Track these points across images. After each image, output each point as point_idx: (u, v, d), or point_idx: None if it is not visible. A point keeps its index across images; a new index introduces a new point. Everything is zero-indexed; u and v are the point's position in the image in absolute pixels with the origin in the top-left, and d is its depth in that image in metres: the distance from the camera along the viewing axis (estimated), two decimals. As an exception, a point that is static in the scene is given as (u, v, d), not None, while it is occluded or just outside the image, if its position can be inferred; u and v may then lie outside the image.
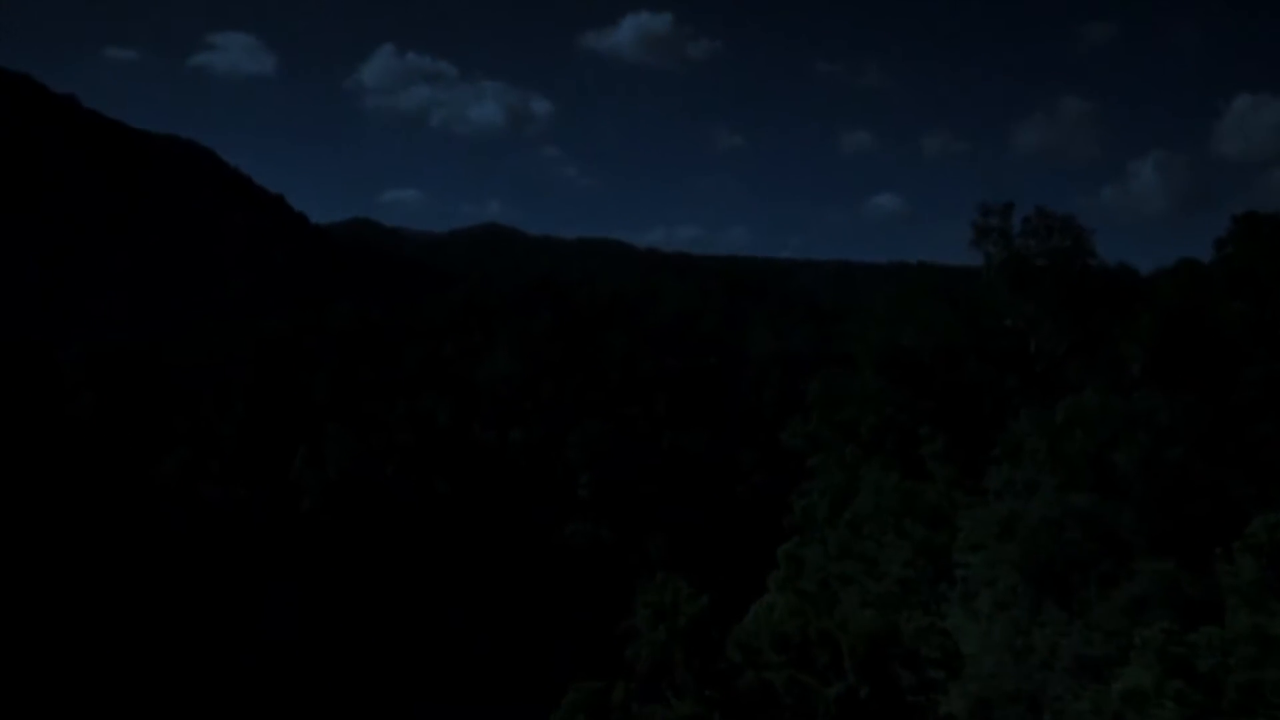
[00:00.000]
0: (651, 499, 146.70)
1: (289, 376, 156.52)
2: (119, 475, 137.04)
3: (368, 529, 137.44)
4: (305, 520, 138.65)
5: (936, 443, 52.32)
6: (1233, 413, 43.55)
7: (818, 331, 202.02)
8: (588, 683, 36.83)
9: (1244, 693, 25.60)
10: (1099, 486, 40.26)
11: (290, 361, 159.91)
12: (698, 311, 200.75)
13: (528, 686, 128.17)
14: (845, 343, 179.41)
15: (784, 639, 39.66)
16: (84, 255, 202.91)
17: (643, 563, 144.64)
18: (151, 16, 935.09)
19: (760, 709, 37.27)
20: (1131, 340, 48.42)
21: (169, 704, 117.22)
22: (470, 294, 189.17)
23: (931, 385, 54.01)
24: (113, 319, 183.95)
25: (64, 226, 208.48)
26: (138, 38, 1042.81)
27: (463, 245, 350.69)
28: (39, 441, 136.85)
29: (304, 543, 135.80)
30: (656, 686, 37.98)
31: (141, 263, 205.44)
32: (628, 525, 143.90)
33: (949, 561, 45.56)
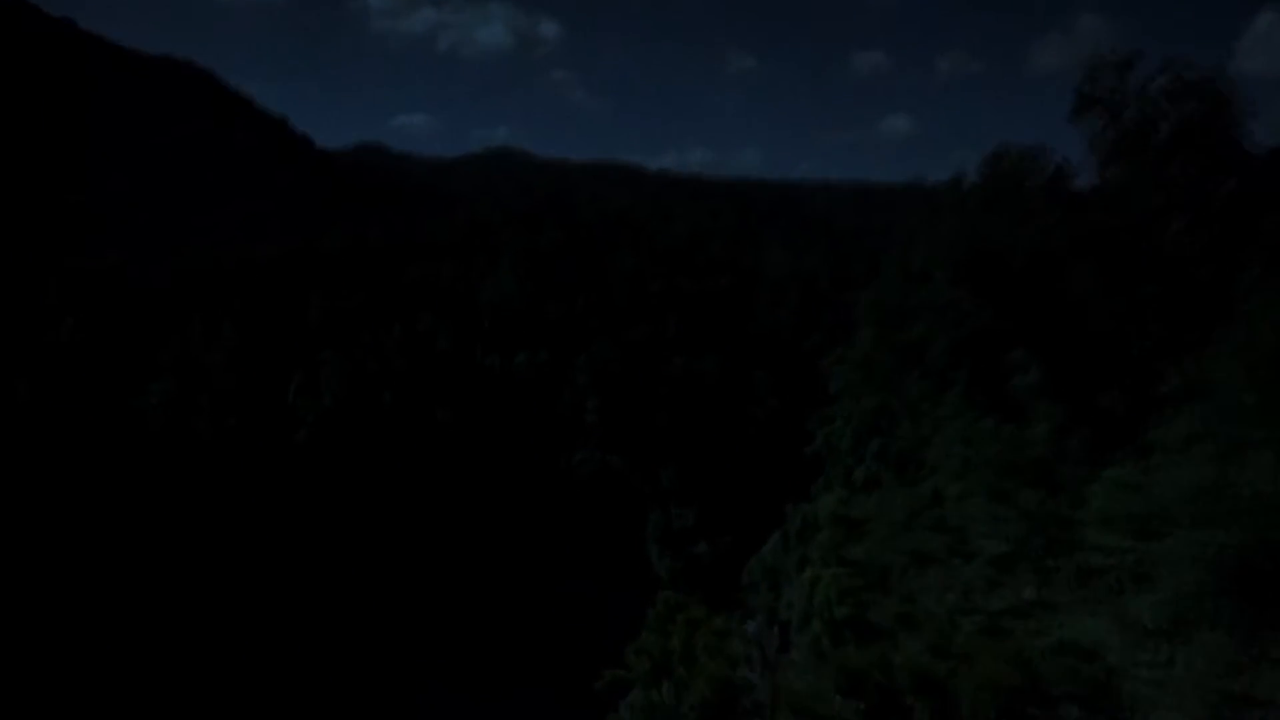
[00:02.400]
0: (663, 425, 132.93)
1: (282, 302, 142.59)
2: (101, 406, 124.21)
3: (366, 460, 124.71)
4: (301, 452, 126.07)
5: (1032, 373, 37.84)
6: None
7: (834, 253, 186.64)
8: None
9: None
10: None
11: (283, 286, 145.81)
12: (710, 232, 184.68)
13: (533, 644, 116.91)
14: (862, 262, 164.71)
15: (856, 679, 25.86)
16: (78, 178, 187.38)
17: (654, 491, 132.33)
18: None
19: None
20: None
21: (154, 650, 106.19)
22: (473, 213, 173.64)
23: (1028, 297, 39.24)
24: (107, 243, 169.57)
25: (58, 149, 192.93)
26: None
27: (473, 170, 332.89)
28: (16, 369, 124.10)
29: (300, 476, 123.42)
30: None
31: (137, 186, 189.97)
32: (638, 453, 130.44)
33: (1068, 539, 31.53)
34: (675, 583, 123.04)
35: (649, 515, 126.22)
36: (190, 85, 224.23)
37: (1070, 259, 38.67)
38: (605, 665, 44.13)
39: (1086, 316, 37.65)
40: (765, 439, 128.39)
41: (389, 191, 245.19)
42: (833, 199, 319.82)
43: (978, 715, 21.99)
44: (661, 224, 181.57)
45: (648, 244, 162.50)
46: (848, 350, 52.01)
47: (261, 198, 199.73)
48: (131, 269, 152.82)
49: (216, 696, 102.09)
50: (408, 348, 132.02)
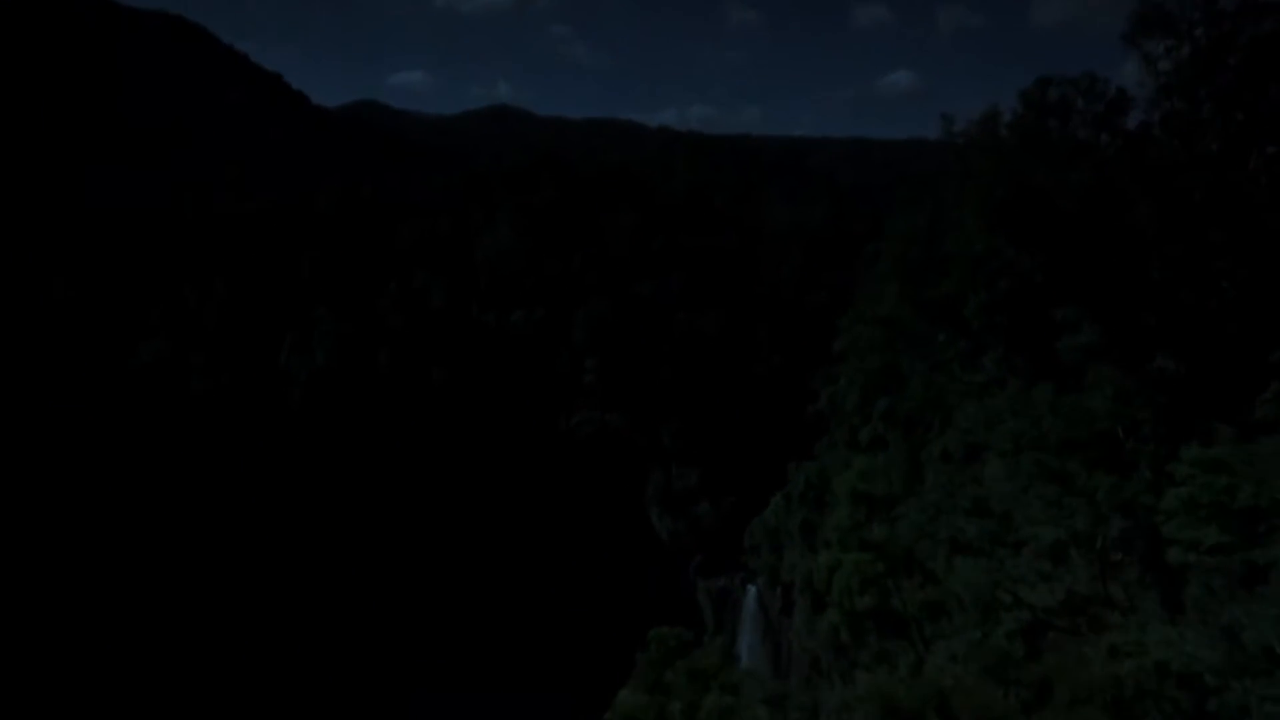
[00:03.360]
0: (663, 384, 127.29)
1: (275, 259, 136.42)
2: (92, 364, 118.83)
3: (361, 420, 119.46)
4: (295, 413, 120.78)
5: (1085, 332, 32.14)
6: None
7: (836, 209, 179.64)
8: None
9: None
10: None
11: (276, 243, 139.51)
12: (711, 188, 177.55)
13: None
14: (864, 218, 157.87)
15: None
16: (70, 135, 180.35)
17: (654, 451, 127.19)
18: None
19: None
20: None
21: (142, 610, 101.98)
22: (470, 170, 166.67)
23: (1080, 245, 33.37)
24: (100, 200, 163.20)
25: (50, 105, 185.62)
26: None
27: (472, 127, 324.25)
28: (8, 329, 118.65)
29: (294, 437, 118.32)
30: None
31: (130, 142, 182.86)
32: (638, 412, 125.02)
33: (1141, 530, 26.10)
34: (676, 544, 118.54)
35: (649, 476, 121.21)
36: (183, 40, 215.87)
37: (1129, 200, 32.87)
38: (600, 655, 39.49)
39: (1148, 266, 31.95)
40: (768, 398, 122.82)
41: (386, 149, 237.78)
42: (834, 155, 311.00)
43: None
44: (662, 180, 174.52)
45: (648, 200, 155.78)
46: (861, 307, 46.06)
47: (255, 154, 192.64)
48: (123, 224, 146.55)
49: (204, 660, 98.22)
50: (403, 305, 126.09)
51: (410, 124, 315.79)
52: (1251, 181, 32.29)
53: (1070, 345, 32.11)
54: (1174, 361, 30.91)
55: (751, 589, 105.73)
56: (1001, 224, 35.07)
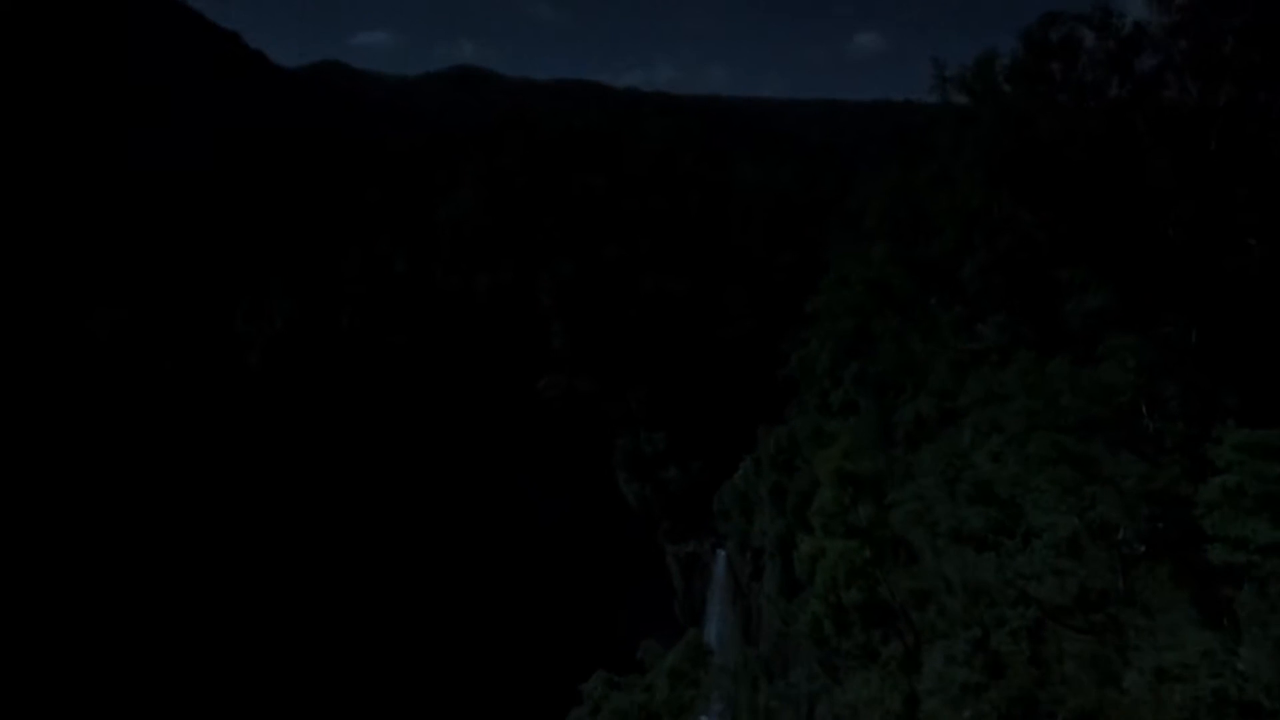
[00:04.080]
0: (631, 347, 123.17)
1: (234, 223, 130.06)
2: (46, 332, 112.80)
3: (321, 388, 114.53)
4: (253, 378, 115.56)
5: (1095, 295, 28.48)
6: None
7: (807, 171, 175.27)
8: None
9: None
10: None
11: (234, 206, 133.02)
12: (679, 149, 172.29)
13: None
14: (833, 179, 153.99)
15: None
16: (19, 101, 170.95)
17: (623, 416, 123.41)
18: None
19: None
20: None
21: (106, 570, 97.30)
22: (433, 131, 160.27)
23: (1089, 199, 29.58)
24: (54, 161, 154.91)
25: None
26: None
27: (435, 89, 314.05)
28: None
29: (252, 402, 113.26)
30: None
31: (82, 103, 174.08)
32: (606, 376, 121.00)
33: (1173, 522, 22.58)
34: (644, 509, 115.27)
35: (617, 440, 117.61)
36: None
37: (1143, 151, 29.13)
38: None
39: (1165, 223, 28.30)
40: (737, 361, 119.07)
41: (348, 111, 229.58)
42: (803, 117, 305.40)
43: None
44: (630, 141, 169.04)
45: (616, 162, 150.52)
46: (844, 268, 42.27)
47: (211, 115, 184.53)
48: (79, 187, 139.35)
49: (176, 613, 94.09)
50: (366, 271, 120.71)
51: (372, 85, 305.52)
52: (1276, 128, 28.66)
53: (1079, 310, 28.46)
54: (1194, 328, 27.42)
55: (721, 554, 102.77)
56: (1002, 177, 31.22)
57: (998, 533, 24.76)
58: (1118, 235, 28.95)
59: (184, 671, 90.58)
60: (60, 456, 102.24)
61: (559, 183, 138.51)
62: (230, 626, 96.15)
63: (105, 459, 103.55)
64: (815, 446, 72.58)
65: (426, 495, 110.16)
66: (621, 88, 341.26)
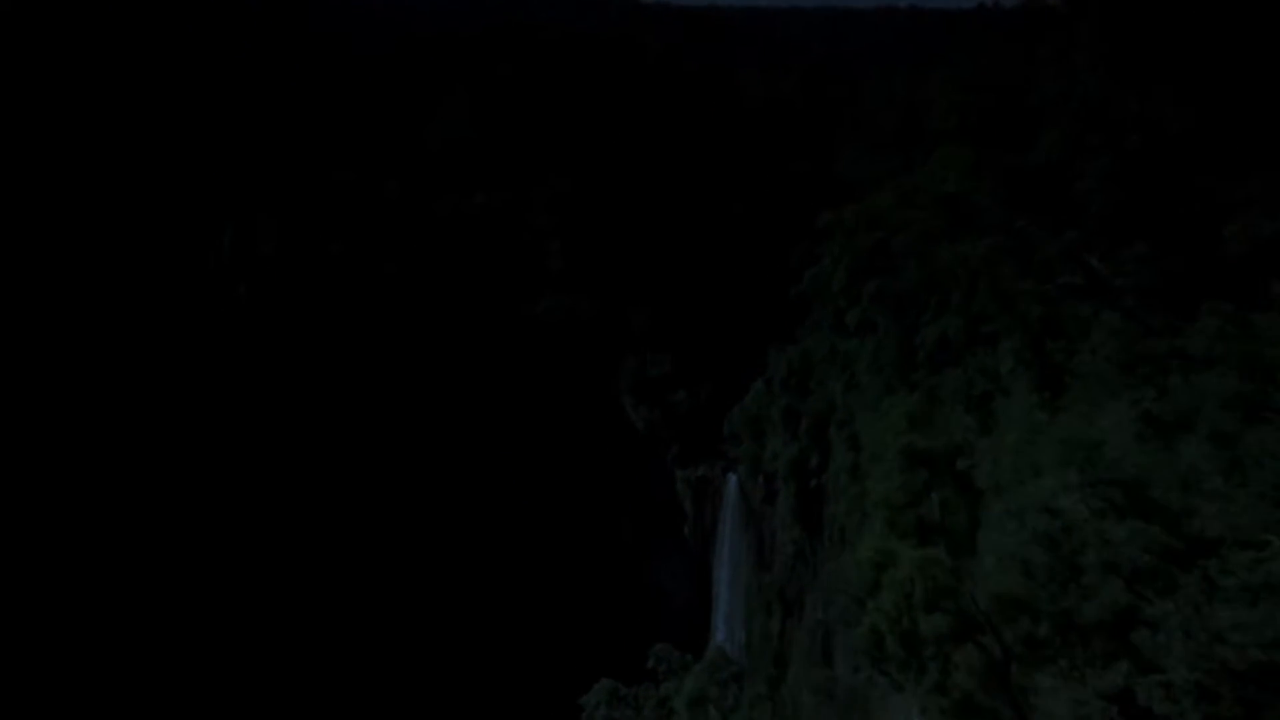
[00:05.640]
0: (634, 266, 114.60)
1: (211, 146, 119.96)
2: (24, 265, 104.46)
3: (312, 316, 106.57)
4: (242, 308, 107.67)
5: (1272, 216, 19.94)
6: None
7: (810, 78, 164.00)
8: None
9: None
10: None
11: (211, 128, 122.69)
12: (679, 57, 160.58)
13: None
14: (840, 87, 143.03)
15: None
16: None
17: (626, 338, 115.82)
18: None
19: None
20: None
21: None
22: (419, 35, 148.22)
23: (1249, 85, 20.75)
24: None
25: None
26: None
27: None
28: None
29: (242, 333, 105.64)
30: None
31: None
32: (608, 297, 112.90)
33: None
34: (652, 434, 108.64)
35: (622, 363, 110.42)
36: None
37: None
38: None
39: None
40: (745, 278, 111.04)
41: (326, 14, 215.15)
42: (806, 25, 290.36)
43: None
44: (628, 49, 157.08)
45: (615, 71, 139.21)
46: (918, 182, 33.95)
47: (184, 30, 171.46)
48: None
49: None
50: (352, 193, 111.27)
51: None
52: None
53: (1247, 236, 20.00)
54: None
55: (732, 478, 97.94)
56: (1131, 56, 22.36)
57: (1166, 560, 16.67)
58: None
59: (183, 670, 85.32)
60: (41, 408, 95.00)
61: (554, 93, 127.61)
62: (216, 590, 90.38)
63: (90, 417, 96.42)
64: (830, 367, 65.29)
65: (428, 437, 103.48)
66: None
